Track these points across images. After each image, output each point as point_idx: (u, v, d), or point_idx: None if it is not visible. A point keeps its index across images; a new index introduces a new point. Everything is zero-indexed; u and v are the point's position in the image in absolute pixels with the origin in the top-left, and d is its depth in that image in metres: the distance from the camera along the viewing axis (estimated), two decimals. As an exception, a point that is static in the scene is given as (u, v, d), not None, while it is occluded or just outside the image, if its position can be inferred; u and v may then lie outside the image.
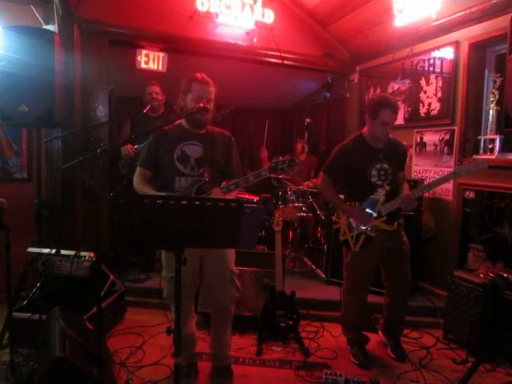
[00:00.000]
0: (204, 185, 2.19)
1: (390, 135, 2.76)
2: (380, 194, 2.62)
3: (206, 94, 2.23)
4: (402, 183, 2.79)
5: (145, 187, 2.25)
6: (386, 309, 2.92)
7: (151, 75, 4.23)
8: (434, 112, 3.76)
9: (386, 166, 2.68)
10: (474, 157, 3.39)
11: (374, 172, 2.66)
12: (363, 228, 2.65)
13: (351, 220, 2.70)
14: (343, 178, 2.78)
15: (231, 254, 2.41)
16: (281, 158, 2.23)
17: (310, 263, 4.33)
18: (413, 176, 3.95)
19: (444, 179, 2.69)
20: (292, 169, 2.29)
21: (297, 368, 2.64)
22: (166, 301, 2.39)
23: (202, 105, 2.19)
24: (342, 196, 2.86)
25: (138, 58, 4.22)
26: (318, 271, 4.15)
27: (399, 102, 3.87)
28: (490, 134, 3.29)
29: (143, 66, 4.25)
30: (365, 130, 2.75)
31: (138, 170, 2.33)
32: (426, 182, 3.56)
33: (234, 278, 2.37)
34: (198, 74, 2.26)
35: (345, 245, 2.74)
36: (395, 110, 2.61)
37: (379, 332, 3.03)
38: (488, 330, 2.72)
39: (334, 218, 2.84)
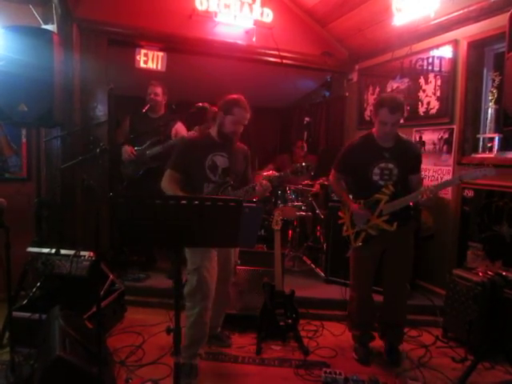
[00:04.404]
0: (227, 188, 2.50)
1: (405, 137, 2.78)
2: (384, 194, 2.60)
3: (243, 120, 2.52)
4: (417, 187, 2.63)
5: (174, 187, 2.45)
6: (380, 308, 2.89)
7: (151, 75, 4.23)
8: (433, 111, 3.76)
9: (390, 165, 2.61)
10: (474, 156, 3.40)
11: (376, 170, 2.62)
12: (362, 226, 2.65)
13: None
14: (350, 175, 2.81)
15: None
16: (299, 164, 2.56)
17: (309, 262, 4.33)
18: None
19: (449, 183, 2.80)
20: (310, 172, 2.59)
21: (296, 367, 2.64)
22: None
23: (201, 104, 2.31)
24: (351, 195, 2.85)
25: (137, 57, 4.22)
26: (318, 270, 4.16)
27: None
28: (489, 133, 3.30)
29: (142, 65, 4.25)
30: (374, 129, 2.75)
31: (168, 172, 2.52)
32: (425, 181, 3.54)
33: (235, 268, 2.81)
34: (240, 99, 2.51)
35: (346, 240, 2.77)
36: (393, 110, 2.50)
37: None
38: (487, 329, 2.73)
39: (340, 214, 2.86)
